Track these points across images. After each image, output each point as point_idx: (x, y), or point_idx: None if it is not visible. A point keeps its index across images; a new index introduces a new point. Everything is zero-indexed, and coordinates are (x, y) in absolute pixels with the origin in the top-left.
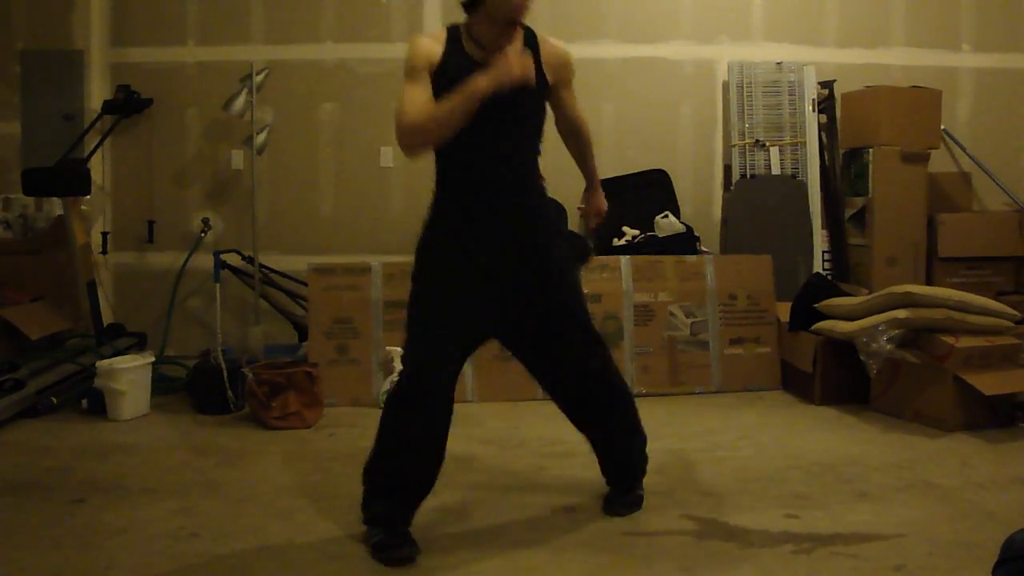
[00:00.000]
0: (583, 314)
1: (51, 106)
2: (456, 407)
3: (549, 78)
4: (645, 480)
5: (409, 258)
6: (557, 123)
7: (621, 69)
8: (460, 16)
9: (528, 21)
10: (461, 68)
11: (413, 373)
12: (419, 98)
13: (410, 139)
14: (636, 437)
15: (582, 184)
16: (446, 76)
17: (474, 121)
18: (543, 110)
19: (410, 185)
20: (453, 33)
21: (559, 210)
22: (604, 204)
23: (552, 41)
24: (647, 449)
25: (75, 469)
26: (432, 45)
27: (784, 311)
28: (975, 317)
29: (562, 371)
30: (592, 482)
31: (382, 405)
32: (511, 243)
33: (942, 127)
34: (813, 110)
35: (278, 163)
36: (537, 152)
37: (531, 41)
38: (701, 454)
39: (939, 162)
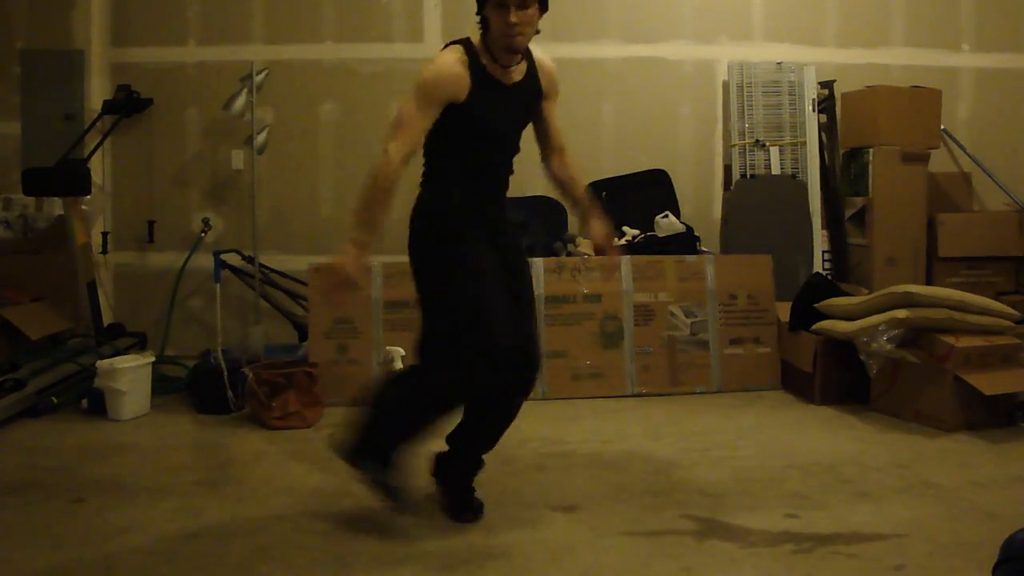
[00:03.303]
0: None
1: (51, 106)
2: None
3: (544, 90)
4: (645, 479)
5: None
6: (540, 140)
7: (621, 69)
8: (459, 14)
9: None
10: (489, 94)
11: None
12: (409, 140)
13: (376, 179)
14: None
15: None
16: (474, 108)
17: (501, 134)
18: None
19: (410, 185)
20: (471, 51)
21: (558, 208)
22: (609, 230)
23: (542, 53)
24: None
25: (75, 469)
26: (459, 78)
27: (784, 311)
28: (975, 317)
29: None
30: (592, 482)
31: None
32: (504, 233)
33: (942, 127)
34: (813, 110)
35: (278, 163)
36: None
37: (529, 53)
38: (701, 454)
39: (939, 162)
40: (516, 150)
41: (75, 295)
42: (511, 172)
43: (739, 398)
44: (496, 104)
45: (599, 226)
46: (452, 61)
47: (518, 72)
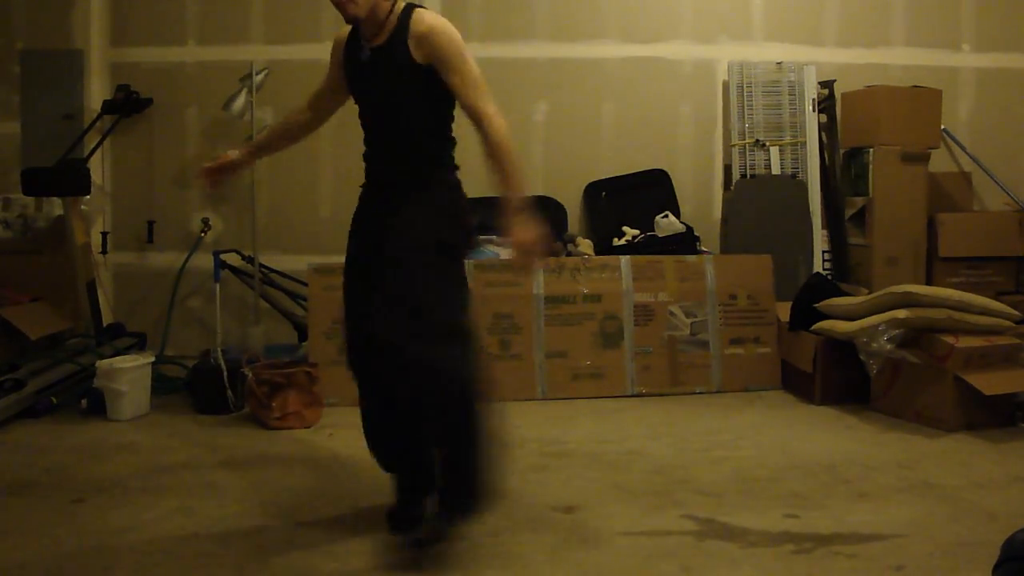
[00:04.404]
0: (417, 295)
1: (51, 106)
2: None
3: (419, 59)
4: (645, 479)
5: None
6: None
7: (621, 69)
8: (458, 14)
9: (529, 21)
10: (353, 64)
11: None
12: (313, 94)
13: None
14: (468, 449)
15: (579, 184)
16: (345, 77)
17: (360, 109)
18: (424, 95)
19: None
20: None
21: (558, 208)
22: (526, 233)
23: (424, 17)
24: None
25: (75, 469)
26: (337, 47)
27: (784, 311)
28: (975, 317)
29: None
30: (592, 482)
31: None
32: (381, 209)
33: (942, 127)
34: (813, 110)
35: (278, 163)
36: (433, 135)
37: (405, 17)
38: (701, 454)
39: (939, 162)
40: (401, 123)
41: (75, 295)
42: (404, 145)
43: (739, 398)
44: (355, 73)
45: (512, 224)
46: (344, 31)
47: (380, 38)
